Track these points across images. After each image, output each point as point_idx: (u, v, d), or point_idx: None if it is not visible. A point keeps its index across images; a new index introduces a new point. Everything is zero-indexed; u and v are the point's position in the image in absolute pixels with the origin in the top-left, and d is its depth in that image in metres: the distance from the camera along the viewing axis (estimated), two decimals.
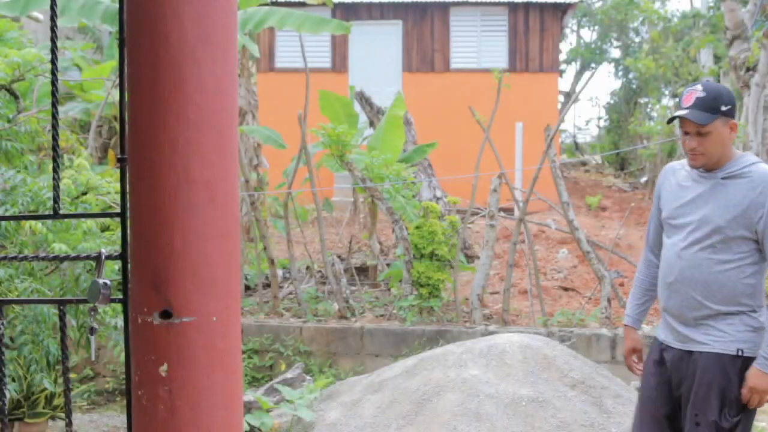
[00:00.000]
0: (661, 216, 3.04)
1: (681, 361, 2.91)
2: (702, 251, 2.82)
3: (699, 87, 2.80)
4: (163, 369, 1.48)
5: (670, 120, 2.88)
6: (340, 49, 15.49)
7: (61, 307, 1.77)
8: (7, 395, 2.33)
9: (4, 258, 1.75)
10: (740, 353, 2.80)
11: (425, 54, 15.70)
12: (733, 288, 2.81)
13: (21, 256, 1.76)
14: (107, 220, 3.77)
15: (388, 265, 8.63)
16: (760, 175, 2.79)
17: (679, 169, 3.01)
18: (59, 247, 3.29)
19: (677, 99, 17.16)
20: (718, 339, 2.82)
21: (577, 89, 22.91)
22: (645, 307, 3.20)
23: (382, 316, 7.31)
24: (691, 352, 2.87)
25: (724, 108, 2.77)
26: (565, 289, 9.37)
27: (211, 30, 1.46)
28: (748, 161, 2.84)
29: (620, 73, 22.42)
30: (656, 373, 3.03)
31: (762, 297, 2.85)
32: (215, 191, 1.51)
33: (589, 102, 52.60)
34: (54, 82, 1.69)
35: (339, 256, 9.11)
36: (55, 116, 1.69)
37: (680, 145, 9.67)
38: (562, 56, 23.21)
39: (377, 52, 15.68)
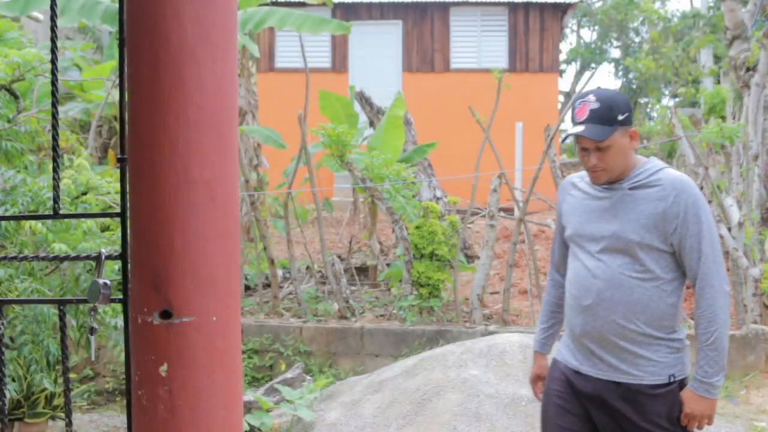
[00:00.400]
0: (564, 234, 2.79)
1: (605, 391, 2.62)
2: (620, 269, 2.56)
3: (592, 97, 2.54)
4: (163, 369, 1.48)
5: (564, 139, 2.71)
6: (340, 49, 15.49)
7: (61, 307, 1.77)
8: (7, 395, 2.33)
9: (4, 258, 1.75)
10: (672, 379, 2.58)
11: (425, 54, 15.70)
12: (656, 308, 2.56)
13: (21, 256, 1.76)
14: (107, 220, 3.77)
15: (388, 265, 8.63)
16: (671, 182, 2.55)
17: (578, 181, 2.77)
18: (59, 247, 3.29)
19: (677, 98, 17.19)
20: (647, 368, 2.57)
21: (577, 89, 22.90)
22: (553, 330, 2.95)
23: (382, 316, 7.32)
24: (618, 383, 2.59)
25: (621, 117, 2.52)
26: None
27: (211, 30, 1.46)
28: (654, 167, 2.61)
29: (620, 73, 22.44)
30: (563, 402, 2.73)
31: (681, 316, 2.64)
32: (215, 191, 1.51)
33: None
34: (54, 82, 1.69)
35: (339, 256, 9.11)
36: (55, 116, 1.69)
37: (680, 144, 9.66)
38: (562, 56, 23.22)
39: (377, 52, 15.68)
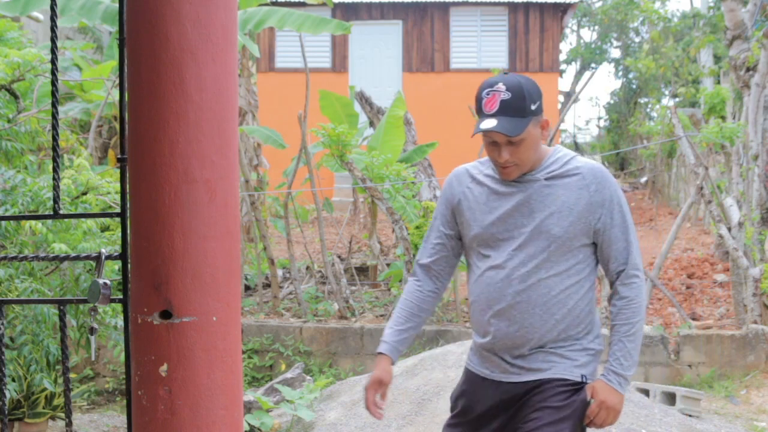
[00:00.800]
0: (450, 231, 2.52)
1: (513, 392, 2.43)
2: (538, 269, 2.35)
3: (501, 86, 2.30)
4: (163, 369, 1.48)
5: (475, 134, 2.37)
6: (340, 49, 15.49)
7: (61, 307, 1.77)
8: (7, 395, 2.33)
9: (4, 258, 1.75)
10: (584, 378, 2.40)
11: (425, 54, 15.71)
12: (574, 307, 2.38)
13: (21, 256, 1.76)
14: (107, 220, 3.77)
15: (388, 265, 8.63)
16: (590, 170, 2.38)
17: (478, 174, 2.48)
18: (59, 247, 3.29)
19: (677, 98, 17.19)
20: (561, 365, 2.39)
21: (577, 89, 22.91)
22: (408, 334, 2.57)
23: (382, 316, 7.32)
24: (526, 382, 2.40)
25: (533, 107, 2.31)
26: None
27: (211, 30, 1.46)
28: (565, 155, 2.42)
29: (620, 73, 22.45)
30: (470, 411, 2.53)
31: (597, 316, 2.49)
32: (215, 191, 1.51)
33: (589, 102, 52.64)
34: (54, 82, 1.69)
35: (339, 256, 9.11)
36: (55, 116, 1.69)
37: (680, 144, 9.66)
38: (562, 56, 23.23)
39: (377, 52, 15.69)
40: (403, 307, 2.58)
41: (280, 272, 8.22)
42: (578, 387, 2.38)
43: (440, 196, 2.56)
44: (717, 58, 16.20)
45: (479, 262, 2.45)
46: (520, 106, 2.28)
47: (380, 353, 2.56)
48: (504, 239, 2.39)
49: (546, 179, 2.37)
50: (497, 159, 2.34)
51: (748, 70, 8.94)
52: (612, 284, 2.43)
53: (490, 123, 2.29)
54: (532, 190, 2.37)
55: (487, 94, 2.32)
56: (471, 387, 2.54)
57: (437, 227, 2.56)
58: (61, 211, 1.70)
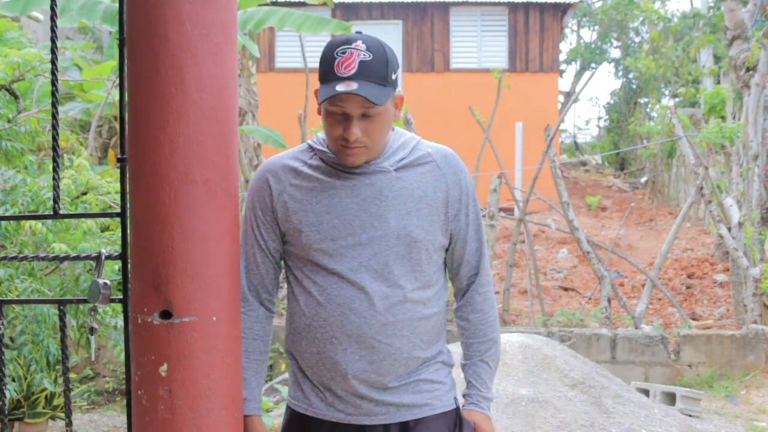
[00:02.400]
0: (273, 242, 1.98)
1: None
2: (401, 281, 1.90)
3: (361, 44, 1.81)
4: (163, 369, 1.48)
5: (326, 99, 1.81)
6: None
7: (61, 307, 1.77)
8: (7, 395, 2.33)
9: (4, 258, 1.75)
10: (457, 403, 2.04)
11: (425, 54, 15.71)
12: (437, 323, 1.98)
13: (21, 256, 1.76)
14: (107, 220, 3.77)
15: None
16: (443, 157, 1.97)
17: (300, 166, 1.95)
18: (59, 247, 3.29)
19: (677, 98, 17.19)
20: (435, 394, 1.99)
21: (577, 89, 22.91)
22: (262, 379, 2.04)
23: None
24: (404, 424, 1.95)
25: (393, 76, 1.86)
26: (565, 289, 9.37)
27: (211, 30, 1.46)
28: (411, 139, 1.99)
29: (620, 73, 22.44)
30: None
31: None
32: (215, 191, 1.51)
33: (589, 102, 52.65)
34: (54, 82, 1.69)
35: None
36: (55, 116, 1.69)
37: (680, 144, 9.65)
38: (562, 56, 23.23)
39: None
40: (249, 349, 1.99)
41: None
42: (455, 416, 2.02)
43: (250, 201, 1.99)
44: (717, 58, 16.19)
45: (319, 277, 1.91)
46: (381, 73, 1.81)
47: (247, 415, 1.94)
48: (350, 246, 1.90)
49: (396, 170, 1.92)
50: (345, 136, 1.83)
51: (748, 70, 8.94)
52: (462, 293, 2.06)
53: (351, 86, 1.78)
54: (382, 184, 1.90)
55: (342, 53, 1.81)
56: None
57: (257, 240, 1.98)
58: (61, 211, 1.70)
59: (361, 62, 1.80)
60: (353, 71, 1.79)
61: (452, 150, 2.02)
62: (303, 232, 1.91)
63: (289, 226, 1.94)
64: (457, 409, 2.03)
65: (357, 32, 1.87)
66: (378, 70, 1.81)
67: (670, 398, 5.66)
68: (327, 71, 1.82)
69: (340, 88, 1.78)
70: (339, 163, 1.91)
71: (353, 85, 1.78)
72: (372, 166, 1.90)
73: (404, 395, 1.95)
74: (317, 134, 2.01)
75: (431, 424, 1.97)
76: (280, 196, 1.94)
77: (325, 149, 1.93)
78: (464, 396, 2.07)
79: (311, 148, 1.97)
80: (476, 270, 2.03)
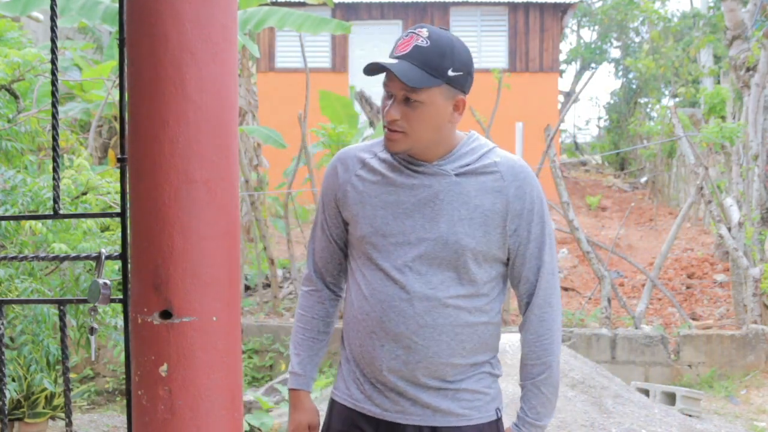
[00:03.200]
0: (338, 229, 2.03)
1: None
2: (445, 287, 1.88)
3: (424, 32, 1.80)
4: (163, 369, 1.48)
5: (369, 68, 1.81)
6: (340, 49, 15.49)
7: (61, 307, 1.77)
8: (7, 395, 2.33)
9: (4, 258, 1.75)
10: (498, 414, 2.00)
11: None
12: (484, 332, 1.95)
13: (21, 256, 1.76)
14: (107, 220, 3.77)
15: None
16: (510, 168, 1.90)
17: (370, 158, 1.97)
18: (59, 247, 3.29)
19: (677, 98, 17.19)
20: (475, 404, 1.95)
21: (577, 89, 22.92)
22: (319, 359, 2.12)
23: None
24: (434, 429, 1.93)
25: (452, 73, 1.80)
26: (565, 289, 9.37)
27: (211, 30, 1.46)
28: (481, 147, 1.94)
29: (620, 73, 22.45)
30: None
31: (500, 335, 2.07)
32: (215, 191, 1.51)
33: (589, 102, 52.67)
34: (54, 82, 1.69)
35: None
36: (55, 116, 1.69)
37: (680, 144, 9.63)
38: (562, 56, 23.24)
39: (377, 52, 15.68)
40: (307, 327, 2.10)
41: (280, 272, 8.22)
42: (495, 428, 2.00)
43: (323, 186, 2.04)
44: (717, 58, 16.20)
45: (367, 270, 1.94)
46: (434, 62, 1.78)
47: (295, 389, 2.08)
48: (400, 244, 1.89)
49: (457, 175, 1.88)
50: (384, 115, 1.84)
51: (748, 70, 8.94)
52: (521, 310, 2.02)
53: (392, 62, 1.78)
54: (440, 187, 1.87)
55: (406, 35, 1.82)
56: (348, 428, 2.01)
57: (323, 225, 2.05)
58: (61, 211, 1.70)
59: (416, 46, 1.79)
60: (405, 52, 1.79)
61: (524, 163, 1.96)
62: (358, 224, 1.94)
63: (348, 215, 1.97)
64: (498, 420, 1.99)
65: (441, 28, 1.87)
66: (430, 57, 1.78)
67: (670, 398, 5.66)
68: (390, 51, 1.85)
69: (382, 60, 1.79)
70: (406, 159, 1.90)
71: (395, 62, 1.78)
72: (434, 167, 1.89)
73: (443, 401, 1.93)
74: None
75: None
76: (344, 184, 1.97)
77: None
78: (516, 416, 2.04)
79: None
80: (534, 289, 1.96)
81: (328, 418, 2.06)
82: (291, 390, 2.11)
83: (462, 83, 1.85)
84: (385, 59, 1.81)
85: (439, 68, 1.79)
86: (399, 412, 1.93)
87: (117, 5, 6.74)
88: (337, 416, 2.02)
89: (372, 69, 1.81)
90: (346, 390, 2.00)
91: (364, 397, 1.97)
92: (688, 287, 9.28)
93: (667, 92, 19.73)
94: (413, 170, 1.90)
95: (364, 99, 10.83)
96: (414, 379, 1.91)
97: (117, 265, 3.51)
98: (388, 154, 1.93)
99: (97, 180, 3.66)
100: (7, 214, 3.25)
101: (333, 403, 2.05)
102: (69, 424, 1.79)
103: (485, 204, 1.88)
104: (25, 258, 1.75)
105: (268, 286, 7.77)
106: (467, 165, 1.90)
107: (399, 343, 1.90)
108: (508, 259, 1.95)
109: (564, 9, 15.94)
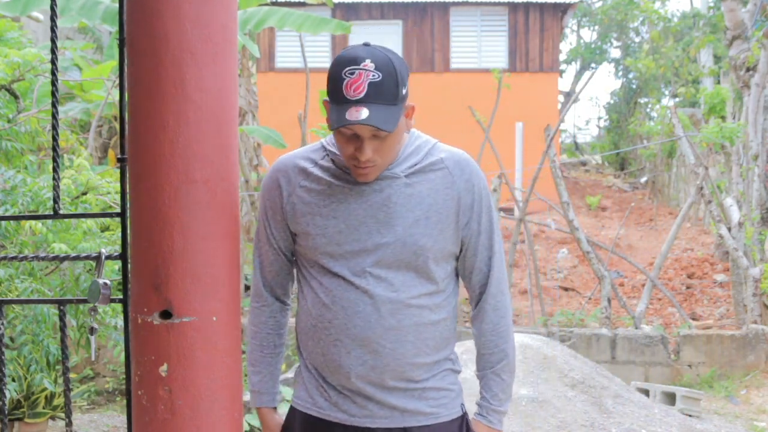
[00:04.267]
0: (285, 242, 1.98)
1: None
2: (407, 288, 1.88)
3: (370, 64, 1.75)
4: (163, 369, 1.48)
5: (338, 127, 1.76)
6: (340, 49, 15.49)
7: (61, 307, 1.77)
8: (7, 395, 2.33)
9: (4, 258, 1.75)
10: (463, 409, 2.01)
11: (425, 54, 15.71)
12: (444, 329, 1.96)
13: (21, 256, 1.76)
14: (107, 220, 3.77)
15: None
16: (456, 162, 1.92)
17: (311, 167, 1.92)
18: (59, 247, 3.29)
19: (677, 98, 17.18)
20: (441, 402, 1.96)
21: (577, 89, 22.92)
22: (278, 371, 2.10)
23: None
24: (406, 429, 1.93)
25: (404, 91, 1.79)
26: (565, 289, 9.37)
27: (211, 30, 1.46)
28: (427, 143, 1.96)
29: (620, 73, 22.45)
30: None
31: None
32: (215, 191, 1.51)
33: (589, 102, 52.66)
34: (54, 82, 1.69)
35: None
36: (55, 116, 1.69)
37: (680, 144, 9.63)
38: (562, 56, 23.24)
39: None
40: (264, 343, 2.07)
41: None
42: (461, 423, 2.00)
43: (262, 200, 1.99)
44: (717, 58, 16.20)
45: (324, 278, 1.91)
46: (391, 92, 1.75)
47: (261, 408, 2.06)
48: (356, 251, 1.87)
49: (407, 176, 1.88)
50: (358, 156, 1.79)
51: (748, 70, 8.94)
52: (474, 301, 2.03)
53: (361, 113, 1.73)
54: (391, 190, 1.86)
55: (351, 73, 1.75)
56: None
57: (269, 239, 1.99)
58: (61, 211, 1.70)
59: (371, 84, 1.74)
60: (362, 94, 1.73)
61: (467, 155, 1.97)
62: (310, 235, 1.90)
63: (297, 228, 1.93)
64: (464, 415, 2.00)
65: (365, 44, 1.81)
66: (388, 90, 1.75)
67: (670, 398, 5.66)
68: (335, 91, 1.77)
69: (351, 116, 1.73)
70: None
71: (363, 112, 1.73)
72: (383, 172, 1.87)
73: (409, 401, 1.93)
74: (331, 135, 1.98)
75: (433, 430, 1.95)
76: (289, 197, 1.92)
77: (337, 152, 1.89)
78: (476, 405, 2.05)
79: (324, 148, 1.94)
80: (487, 279, 1.98)
81: (289, 427, 2.02)
82: (257, 409, 2.07)
83: (407, 93, 1.83)
84: (351, 112, 1.73)
85: (396, 95, 1.76)
86: (367, 416, 1.92)
87: (117, 5, 6.73)
88: (301, 425, 1.99)
89: (339, 124, 1.75)
90: (309, 398, 1.97)
91: (330, 404, 1.94)
92: (688, 287, 9.28)
93: (667, 92, 19.73)
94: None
95: None
96: (382, 383, 1.90)
97: (117, 265, 3.51)
98: (330, 161, 1.91)
99: (97, 180, 3.66)
100: (7, 214, 3.25)
101: (294, 412, 2.01)
102: (69, 424, 1.79)
103: (438, 202, 1.88)
104: (25, 258, 1.75)
105: None
106: (415, 165, 1.90)
107: (365, 348, 1.88)
108: (459, 253, 1.96)
109: (564, 9, 15.94)
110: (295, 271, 2.04)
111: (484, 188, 1.95)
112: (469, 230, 1.93)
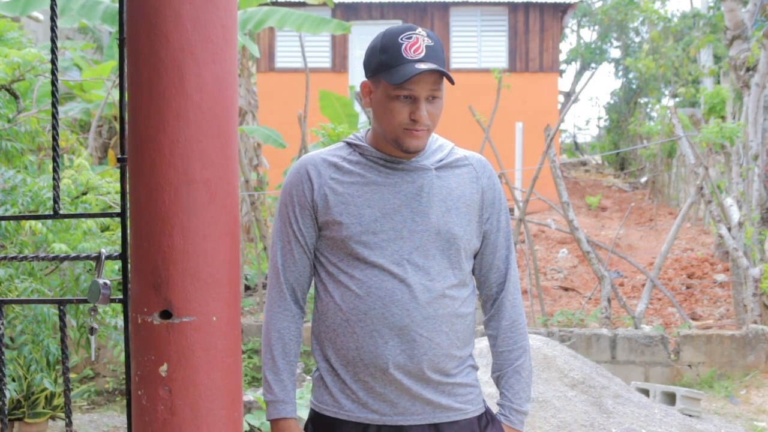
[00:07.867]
0: (312, 240, 1.97)
1: None
2: (441, 277, 1.91)
3: (422, 32, 1.86)
4: (163, 369, 1.48)
5: (410, 77, 1.79)
6: (340, 49, 15.49)
7: (61, 307, 1.77)
8: (7, 395, 2.34)
9: (4, 258, 1.75)
10: (485, 405, 2.03)
11: None
12: (470, 323, 1.98)
13: (21, 256, 1.76)
14: (107, 220, 3.77)
15: None
16: (479, 162, 2.00)
17: (340, 161, 1.95)
18: (59, 247, 3.29)
19: (677, 98, 17.19)
20: (468, 398, 1.97)
21: (577, 89, 22.91)
22: (296, 381, 2.03)
23: None
24: (435, 426, 1.93)
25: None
26: (565, 289, 9.38)
27: (211, 30, 1.46)
28: (447, 143, 2.03)
29: (620, 73, 22.45)
30: None
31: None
32: (215, 191, 1.51)
33: (589, 102, 52.67)
34: (54, 82, 1.69)
35: None
36: (55, 116, 1.69)
37: (680, 144, 9.64)
38: (562, 56, 23.24)
39: None
40: (286, 350, 2.00)
41: None
42: (485, 417, 2.01)
43: (286, 198, 1.98)
44: (717, 58, 16.20)
45: (357, 270, 1.91)
46: (442, 57, 1.86)
47: (284, 418, 1.96)
48: (392, 239, 1.90)
49: (436, 169, 1.94)
50: (414, 118, 1.84)
51: (748, 70, 8.94)
52: (491, 300, 2.05)
53: (427, 65, 1.80)
54: (423, 181, 1.91)
55: (408, 38, 1.84)
56: None
57: (297, 237, 1.96)
58: (61, 211, 1.70)
59: (428, 47, 1.83)
60: (422, 54, 1.82)
61: (486, 159, 2.07)
62: (344, 224, 1.90)
63: (328, 219, 1.92)
64: (488, 410, 2.02)
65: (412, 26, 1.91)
66: (439, 52, 1.84)
67: (670, 398, 5.66)
68: (393, 56, 1.83)
69: (421, 66, 1.79)
70: (381, 158, 1.92)
71: (429, 64, 1.80)
72: (413, 163, 1.92)
73: (442, 397, 1.93)
74: (354, 133, 2.03)
75: (463, 429, 1.95)
76: (320, 188, 1.93)
77: (366, 144, 1.94)
78: (498, 406, 2.04)
79: (349, 145, 1.97)
80: (504, 277, 2.03)
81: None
82: (279, 420, 1.96)
83: None
84: (421, 65, 1.80)
85: (444, 62, 1.85)
86: (399, 414, 1.91)
87: (117, 5, 6.74)
88: (325, 430, 1.95)
89: (410, 74, 1.80)
90: (334, 402, 1.94)
91: (358, 405, 1.92)
92: (688, 287, 9.28)
93: (667, 92, 19.74)
94: (392, 168, 1.92)
95: None
96: (419, 373, 1.90)
97: (117, 265, 3.51)
98: (359, 156, 1.94)
99: (97, 180, 3.66)
100: (7, 214, 3.25)
101: (317, 416, 1.98)
102: (69, 424, 1.79)
103: (466, 194, 1.95)
104: (25, 258, 1.75)
105: None
106: (441, 160, 1.96)
107: (403, 338, 1.88)
108: (478, 249, 2.01)
109: (564, 9, 15.94)
110: (315, 273, 2.03)
111: (501, 190, 2.04)
112: (490, 226, 1.99)
